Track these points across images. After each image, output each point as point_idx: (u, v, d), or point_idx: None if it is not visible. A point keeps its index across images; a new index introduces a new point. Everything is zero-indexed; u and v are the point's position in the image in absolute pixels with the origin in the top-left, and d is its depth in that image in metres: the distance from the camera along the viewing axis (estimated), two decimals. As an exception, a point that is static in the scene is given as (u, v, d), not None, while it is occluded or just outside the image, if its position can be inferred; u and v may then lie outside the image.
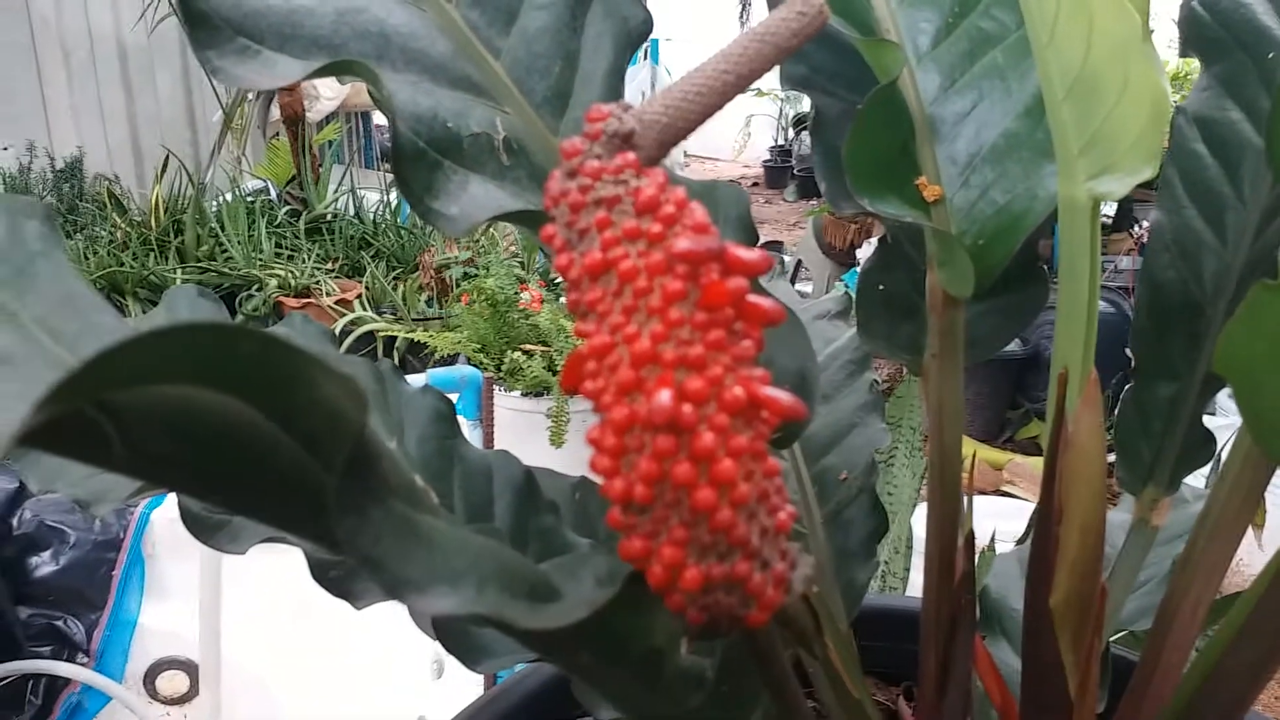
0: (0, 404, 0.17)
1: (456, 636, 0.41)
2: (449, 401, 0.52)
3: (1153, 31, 0.40)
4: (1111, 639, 0.55)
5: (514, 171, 0.33)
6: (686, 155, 6.39)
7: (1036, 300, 0.50)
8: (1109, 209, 3.58)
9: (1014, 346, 2.59)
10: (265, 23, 0.31)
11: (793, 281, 3.56)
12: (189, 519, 0.41)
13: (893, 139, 0.40)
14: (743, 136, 7.44)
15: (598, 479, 0.23)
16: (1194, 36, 0.50)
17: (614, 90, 0.38)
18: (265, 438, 0.19)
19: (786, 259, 3.75)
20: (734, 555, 0.22)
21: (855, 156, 0.37)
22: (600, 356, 0.22)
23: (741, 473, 0.22)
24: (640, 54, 5.75)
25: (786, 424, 0.43)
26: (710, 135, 7.31)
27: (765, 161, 7.69)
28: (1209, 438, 0.53)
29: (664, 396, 0.21)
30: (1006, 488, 2.64)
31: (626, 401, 0.22)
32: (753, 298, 0.22)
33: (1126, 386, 0.54)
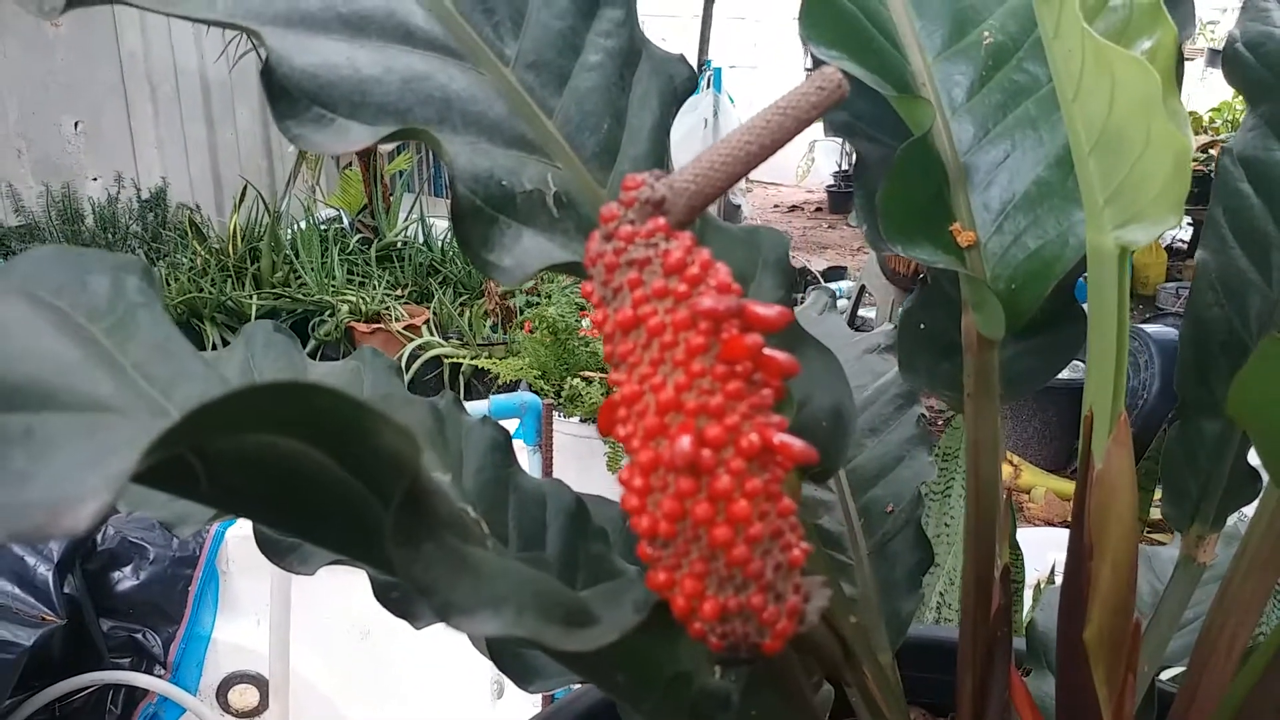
0: (111, 449, 0.20)
1: (509, 658, 0.44)
2: (505, 432, 0.54)
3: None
4: (1159, 676, 0.55)
5: (563, 224, 0.36)
6: (749, 181, 6.39)
7: (1074, 339, 0.51)
8: (1184, 233, 3.52)
9: (1084, 375, 2.56)
10: (338, 93, 0.33)
11: (855, 307, 3.53)
12: (262, 542, 0.44)
13: (926, 188, 0.42)
14: (806, 162, 7.43)
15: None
16: (1239, 78, 0.51)
17: (659, 144, 0.41)
18: (334, 479, 0.21)
19: (847, 285, 3.73)
20: (749, 588, 0.24)
21: (888, 205, 0.39)
22: (630, 404, 0.25)
23: (756, 512, 0.24)
24: (704, 82, 5.78)
25: (821, 460, 0.45)
26: (774, 160, 7.30)
27: (829, 186, 7.68)
28: (1254, 475, 0.53)
29: (684, 442, 0.23)
30: (1074, 518, 2.58)
31: (652, 445, 0.24)
32: (770, 351, 0.24)
33: (1172, 423, 0.54)
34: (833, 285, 3.72)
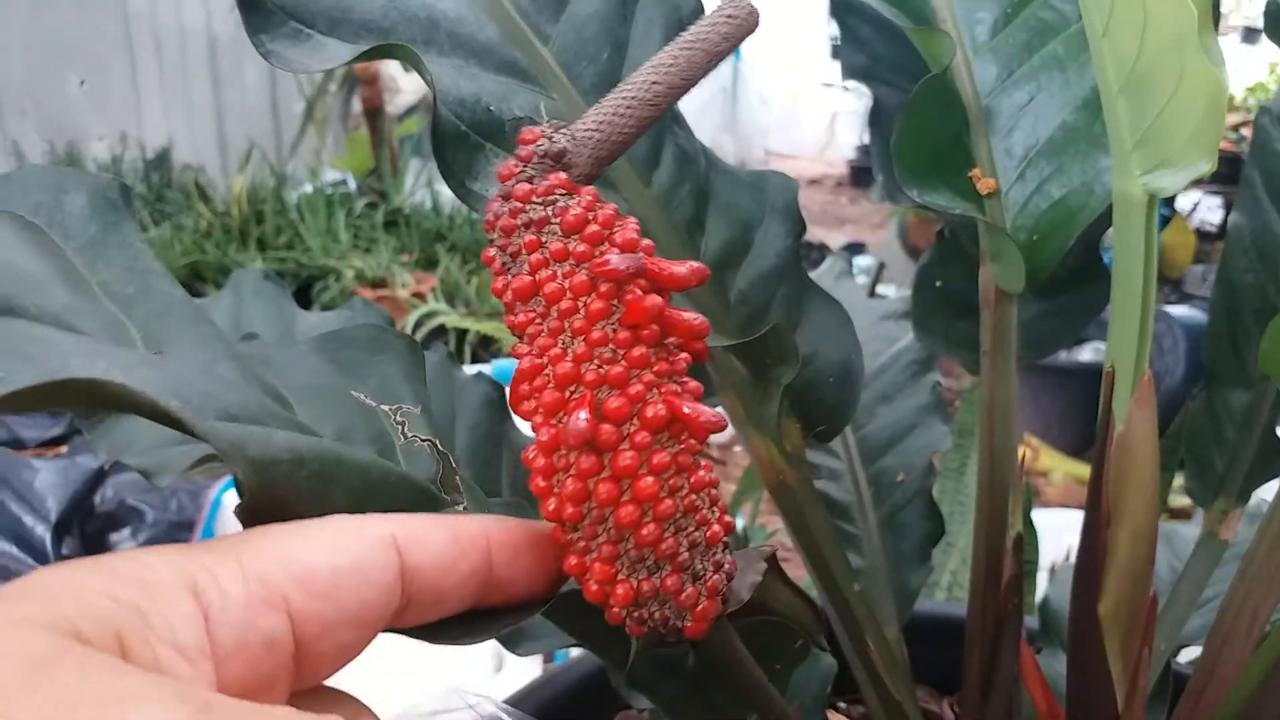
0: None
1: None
2: (500, 388, 0.52)
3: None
4: (1177, 657, 0.53)
5: (556, 156, 0.33)
6: (768, 153, 6.32)
7: (1097, 299, 0.49)
8: (1214, 215, 3.48)
9: (1103, 357, 2.50)
10: (316, 7, 0.31)
11: (875, 283, 3.49)
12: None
13: (944, 129, 0.39)
14: (827, 134, 7.31)
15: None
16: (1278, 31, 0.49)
17: (662, 78, 0.38)
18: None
19: (866, 261, 3.69)
20: (663, 569, 0.23)
21: (903, 146, 0.36)
22: (530, 379, 0.23)
23: (664, 488, 0.22)
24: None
25: (826, 419, 0.43)
26: (793, 132, 7.23)
27: (850, 160, 7.54)
28: (1283, 448, 0.51)
29: (580, 418, 0.21)
30: (1093, 503, 2.54)
31: (553, 423, 0.22)
32: (677, 312, 0.23)
33: (1199, 393, 0.52)
34: (852, 260, 3.66)
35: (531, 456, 0.23)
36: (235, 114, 3.12)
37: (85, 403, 0.19)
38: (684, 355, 0.23)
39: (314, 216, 2.45)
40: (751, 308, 0.40)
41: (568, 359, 0.22)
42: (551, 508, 0.23)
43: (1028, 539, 0.80)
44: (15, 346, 0.20)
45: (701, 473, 0.23)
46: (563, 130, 0.24)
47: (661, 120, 0.39)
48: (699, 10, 0.40)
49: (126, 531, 1.34)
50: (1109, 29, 0.34)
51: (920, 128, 0.37)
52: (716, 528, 0.24)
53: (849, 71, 0.48)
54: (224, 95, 3.09)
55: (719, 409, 0.23)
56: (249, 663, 0.18)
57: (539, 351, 0.23)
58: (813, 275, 0.69)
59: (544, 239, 0.23)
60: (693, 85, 0.25)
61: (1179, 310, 2.69)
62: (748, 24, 0.25)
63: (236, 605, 0.18)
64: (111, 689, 0.14)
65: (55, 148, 2.60)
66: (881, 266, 3.62)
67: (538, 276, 0.23)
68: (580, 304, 0.22)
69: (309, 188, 2.68)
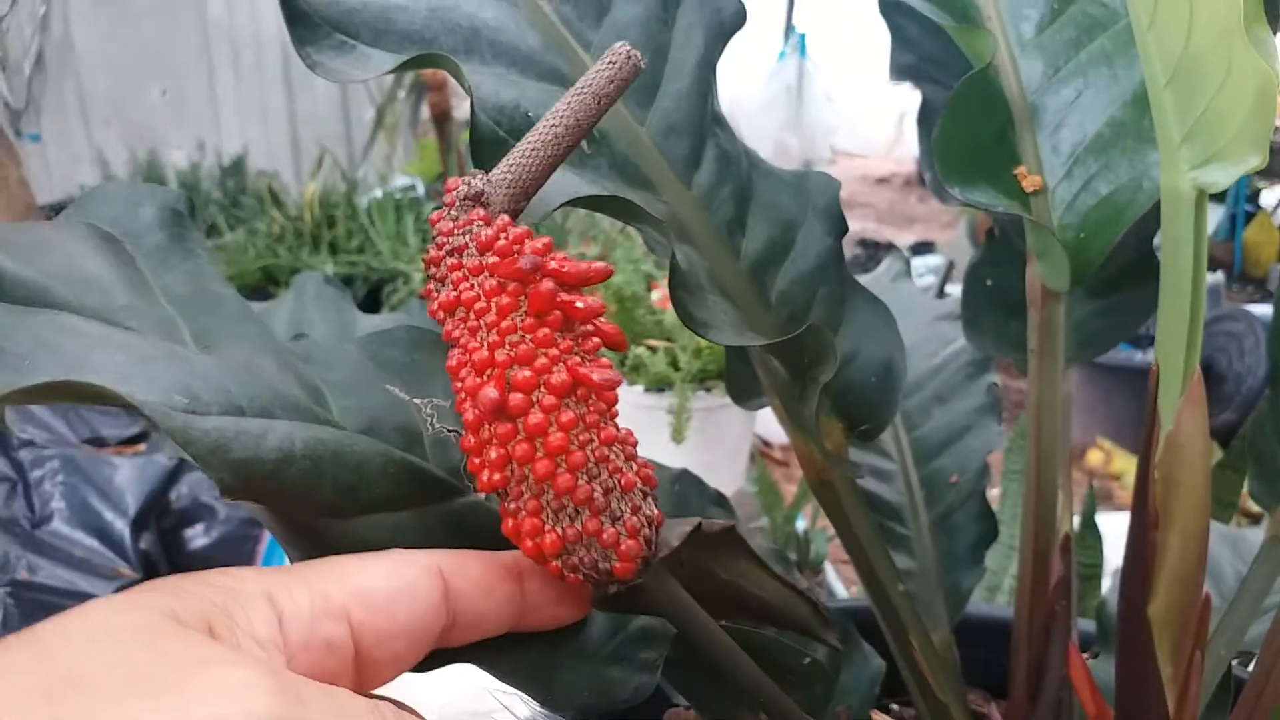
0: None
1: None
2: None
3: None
4: (1247, 666, 0.52)
5: (594, 159, 0.34)
6: (835, 152, 6.23)
7: (1151, 298, 0.48)
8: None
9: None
10: (360, 19, 0.32)
11: (944, 283, 3.44)
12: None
13: (987, 126, 0.39)
14: (895, 132, 7.20)
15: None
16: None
17: (703, 80, 0.39)
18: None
19: (935, 260, 3.64)
20: (582, 514, 0.25)
21: (944, 144, 0.36)
22: (456, 374, 0.26)
23: (574, 442, 0.25)
24: (788, 48, 5.65)
25: (867, 418, 0.42)
26: (861, 131, 7.14)
27: (919, 159, 7.37)
28: (1351, 449, 0.49)
29: (489, 391, 0.24)
30: (1161, 504, 2.47)
31: (475, 405, 0.25)
32: (571, 297, 0.26)
33: (1264, 394, 0.51)
34: (920, 260, 3.61)
35: (462, 438, 0.26)
36: (308, 121, 3.20)
37: (86, 399, 0.21)
38: (595, 339, 0.26)
39: (384, 221, 2.50)
40: (792, 307, 0.40)
41: (484, 349, 0.25)
42: (484, 479, 0.25)
43: (1090, 542, 0.78)
44: (46, 337, 0.22)
45: (611, 429, 0.26)
46: (480, 176, 0.28)
47: (702, 122, 0.39)
48: (740, 12, 0.41)
49: (200, 527, 1.39)
50: (1154, 21, 0.33)
51: (962, 125, 0.37)
52: (631, 476, 0.26)
53: (897, 71, 0.48)
54: (297, 103, 3.17)
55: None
56: (313, 660, 0.22)
57: (463, 350, 0.26)
58: (870, 277, 0.69)
59: (464, 260, 0.26)
60: (589, 126, 0.29)
61: (1262, 309, 2.61)
62: (628, 67, 0.29)
63: (304, 611, 0.22)
64: (201, 654, 0.19)
65: (137, 156, 2.69)
66: (950, 266, 3.56)
67: (460, 291, 0.26)
68: (492, 303, 0.25)
69: (379, 193, 2.73)
